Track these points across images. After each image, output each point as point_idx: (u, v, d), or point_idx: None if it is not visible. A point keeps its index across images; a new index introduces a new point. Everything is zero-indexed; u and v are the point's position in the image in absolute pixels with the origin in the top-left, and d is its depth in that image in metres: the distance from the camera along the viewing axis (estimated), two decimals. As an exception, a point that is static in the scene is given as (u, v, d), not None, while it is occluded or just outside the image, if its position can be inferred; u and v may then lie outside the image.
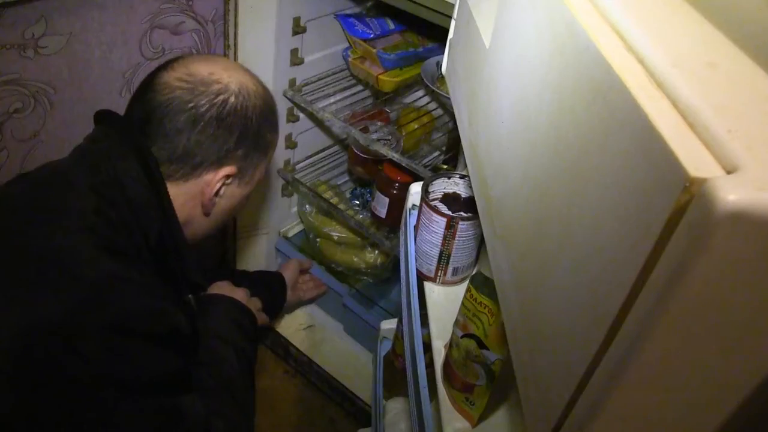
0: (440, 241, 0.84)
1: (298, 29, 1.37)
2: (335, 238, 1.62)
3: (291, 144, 1.56)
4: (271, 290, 1.40)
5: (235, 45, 1.31)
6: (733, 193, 0.26)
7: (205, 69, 0.87)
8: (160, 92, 0.84)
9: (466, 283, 0.72)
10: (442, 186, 0.88)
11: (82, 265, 0.73)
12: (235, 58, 1.33)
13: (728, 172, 0.27)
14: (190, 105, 0.84)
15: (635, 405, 0.33)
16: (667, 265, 0.29)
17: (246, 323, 1.10)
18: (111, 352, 0.71)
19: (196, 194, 0.88)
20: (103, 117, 0.90)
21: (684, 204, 0.27)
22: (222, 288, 1.15)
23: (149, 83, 0.87)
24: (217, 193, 0.90)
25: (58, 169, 0.84)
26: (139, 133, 0.84)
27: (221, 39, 1.32)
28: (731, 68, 0.34)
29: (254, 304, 1.18)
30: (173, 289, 0.87)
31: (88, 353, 0.70)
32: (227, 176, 0.89)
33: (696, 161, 0.27)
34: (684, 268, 0.28)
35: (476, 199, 0.63)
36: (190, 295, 0.99)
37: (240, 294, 1.15)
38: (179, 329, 0.79)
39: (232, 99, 0.86)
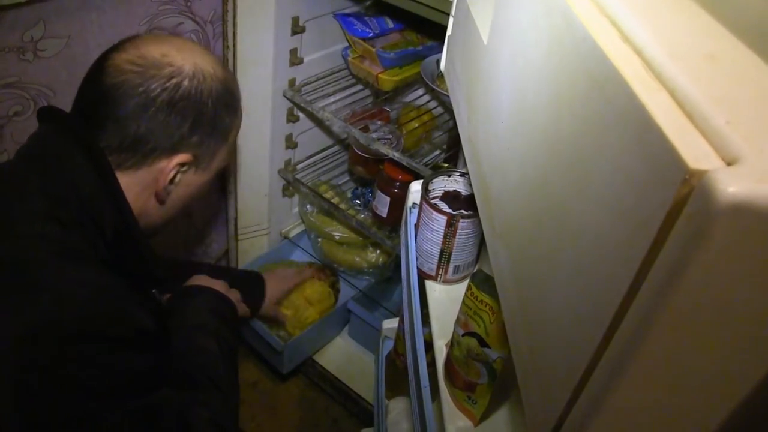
0: (441, 240, 0.83)
1: (297, 29, 1.37)
2: (337, 238, 1.61)
3: (291, 144, 1.55)
4: (248, 284, 1.32)
5: (234, 45, 1.31)
6: (733, 185, 0.25)
7: (157, 50, 0.82)
8: (110, 75, 0.80)
9: (467, 282, 0.71)
10: (442, 184, 0.88)
11: (34, 274, 0.71)
12: (234, 59, 1.32)
13: (728, 164, 0.26)
14: (141, 89, 0.79)
15: (636, 403, 0.33)
16: (667, 259, 0.28)
17: (226, 312, 1.07)
18: (75, 363, 0.69)
19: (150, 183, 0.84)
20: (45, 114, 0.86)
21: (684, 197, 0.27)
22: (200, 279, 1.11)
23: (100, 65, 0.82)
24: (172, 181, 0.86)
25: (3, 174, 0.81)
26: (88, 120, 0.81)
27: (220, 40, 1.32)
28: (730, 59, 0.34)
29: (234, 295, 1.14)
30: (136, 284, 0.84)
31: (51, 366, 0.68)
32: (182, 164, 0.85)
33: (695, 153, 0.27)
34: (684, 263, 0.27)
35: (476, 196, 0.62)
36: (154, 290, 0.96)
37: (218, 285, 1.11)
38: (143, 328, 0.78)
39: (186, 82, 0.81)
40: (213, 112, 0.85)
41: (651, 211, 0.29)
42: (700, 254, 0.27)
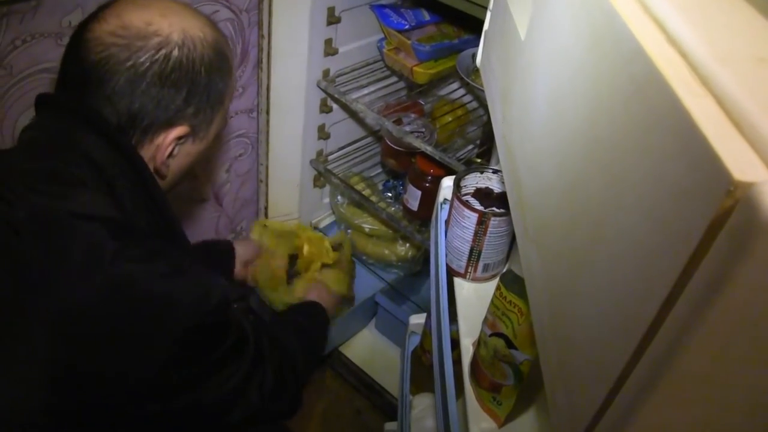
0: (471, 237, 0.82)
1: (333, 19, 1.36)
2: (366, 230, 1.61)
3: (324, 135, 1.55)
4: (218, 254, 1.32)
5: (269, 35, 1.31)
6: (781, 199, 0.24)
7: (140, 18, 0.76)
8: (93, 50, 0.75)
9: (496, 281, 0.70)
10: (474, 181, 0.86)
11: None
12: (269, 48, 1.32)
13: (776, 177, 0.25)
14: (129, 64, 0.74)
15: (668, 420, 0.32)
16: (707, 273, 0.27)
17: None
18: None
19: (149, 159, 0.81)
20: (41, 101, 0.81)
21: (727, 209, 0.26)
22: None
23: (80, 38, 0.77)
24: (171, 155, 0.82)
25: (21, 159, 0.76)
26: (80, 99, 0.77)
27: (255, 28, 1.32)
28: (782, 64, 0.32)
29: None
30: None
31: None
32: (179, 137, 0.81)
33: (741, 163, 0.26)
34: (725, 278, 0.26)
35: (508, 195, 0.61)
36: None
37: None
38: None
39: (176, 52, 0.76)
40: (206, 80, 0.81)
41: (692, 223, 0.28)
42: (742, 271, 0.26)
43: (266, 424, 0.91)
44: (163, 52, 0.76)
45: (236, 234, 1.66)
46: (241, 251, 1.34)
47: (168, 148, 0.81)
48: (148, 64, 0.75)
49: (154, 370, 0.70)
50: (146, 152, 0.80)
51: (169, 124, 0.79)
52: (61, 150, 0.75)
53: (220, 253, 1.31)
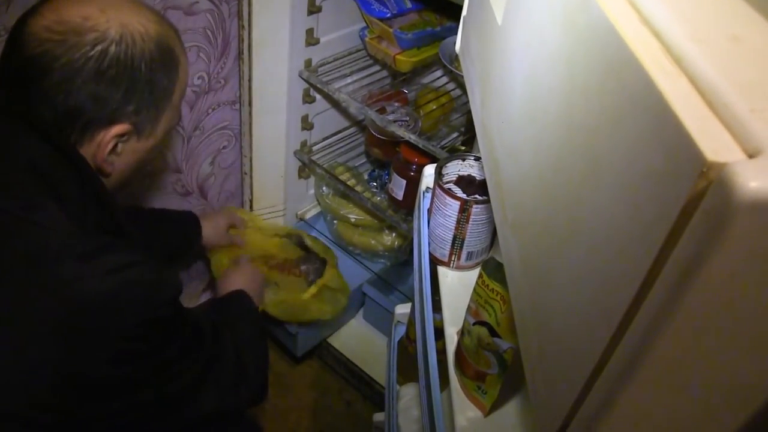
0: (454, 225, 0.81)
1: (314, 9, 1.34)
2: (352, 220, 1.60)
3: (307, 125, 1.54)
4: (183, 223, 1.29)
5: (250, 25, 1.29)
6: (754, 179, 0.23)
7: (77, 13, 0.73)
8: (29, 45, 0.72)
9: (479, 269, 0.70)
10: (456, 168, 0.86)
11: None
12: (249, 38, 1.31)
13: (750, 156, 0.25)
14: (64, 60, 0.72)
15: (646, 405, 0.31)
16: (682, 255, 0.27)
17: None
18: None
19: (91, 158, 0.78)
20: None
21: (701, 190, 0.25)
22: (230, 282, 1.17)
23: (18, 33, 0.75)
24: (113, 151, 0.80)
25: None
26: (16, 96, 0.75)
27: (235, 19, 1.30)
28: (757, 42, 0.31)
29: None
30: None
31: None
32: (120, 135, 0.78)
33: (715, 144, 0.25)
34: (700, 260, 0.26)
35: (488, 181, 0.60)
36: None
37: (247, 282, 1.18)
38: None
39: (113, 48, 0.73)
40: (148, 76, 0.78)
41: (666, 206, 0.27)
42: (717, 252, 0.25)
43: (229, 416, 0.92)
44: (99, 48, 0.73)
45: (221, 227, 1.65)
46: (216, 221, 1.35)
47: (108, 145, 0.78)
48: (83, 60, 0.72)
49: (106, 365, 0.70)
50: (87, 150, 0.78)
51: (109, 122, 0.77)
52: (1, 154, 0.73)
53: (184, 223, 1.29)
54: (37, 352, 0.67)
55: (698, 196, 0.25)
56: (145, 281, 0.72)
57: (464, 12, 0.77)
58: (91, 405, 0.72)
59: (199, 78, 1.31)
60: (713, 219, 0.25)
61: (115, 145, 0.79)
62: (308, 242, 1.51)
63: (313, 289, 1.40)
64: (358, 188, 1.52)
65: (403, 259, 1.60)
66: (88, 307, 0.68)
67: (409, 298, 1.50)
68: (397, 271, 1.63)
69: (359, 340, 1.62)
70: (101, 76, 0.74)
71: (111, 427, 0.78)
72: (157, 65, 0.78)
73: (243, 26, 1.29)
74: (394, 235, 1.58)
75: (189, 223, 1.30)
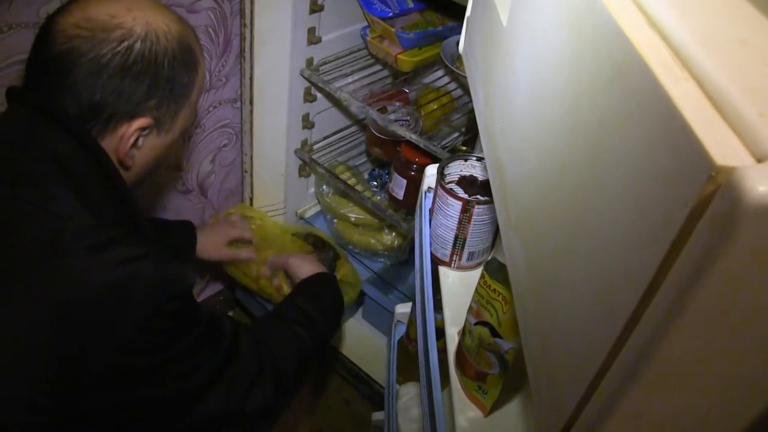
0: (455, 225, 0.81)
1: (316, 7, 1.34)
2: (352, 219, 1.60)
3: (308, 124, 1.54)
4: (180, 232, 1.29)
5: (252, 23, 1.29)
6: (763, 184, 0.23)
7: (104, 11, 0.77)
8: (57, 42, 0.76)
9: (481, 269, 0.70)
10: (458, 168, 0.86)
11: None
12: (252, 37, 1.31)
13: (758, 161, 0.25)
14: (91, 55, 0.75)
15: (650, 408, 0.31)
16: (689, 260, 0.27)
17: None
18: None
19: (113, 151, 0.82)
20: (9, 93, 0.82)
21: (709, 195, 0.25)
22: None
23: (47, 30, 0.78)
24: (135, 145, 0.83)
25: None
26: (44, 90, 0.78)
27: (237, 17, 1.30)
28: (766, 46, 0.31)
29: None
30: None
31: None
32: (142, 128, 0.82)
33: (723, 148, 0.25)
34: (707, 264, 0.26)
35: (491, 182, 0.60)
36: None
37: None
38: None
39: (138, 45, 0.77)
40: (170, 73, 0.81)
41: (673, 209, 0.27)
42: (724, 257, 0.25)
43: (236, 427, 0.90)
44: (125, 44, 0.77)
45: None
46: (214, 234, 1.35)
47: (130, 138, 0.81)
48: (109, 55, 0.76)
49: (110, 355, 0.70)
50: (108, 143, 0.80)
51: (132, 116, 0.80)
52: (25, 145, 0.76)
53: (181, 234, 1.29)
54: (41, 339, 0.68)
55: (706, 200, 0.25)
56: (153, 274, 0.73)
57: (468, 12, 0.77)
58: (88, 400, 0.72)
59: (200, 76, 1.31)
60: (721, 223, 0.25)
61: (137, 140, 0.82)
62: (324, 237, 1.53)
63: None
64: (359, 187, 1.52)
65: (402, 259, 1.61)
66: (94, 297, 0.69)
67: (408, 298, 1.50)
68: (396, 271, 1.63)
69: (358, 339, 1.62)
70: (126, 72, 0.77)
71: (110, 428, 0.78)
72: (178, 63, 0.82)
73: (245, 24, 1.29)
74: (393, 234, 1.58)
75: (184, 232, 1.29)
